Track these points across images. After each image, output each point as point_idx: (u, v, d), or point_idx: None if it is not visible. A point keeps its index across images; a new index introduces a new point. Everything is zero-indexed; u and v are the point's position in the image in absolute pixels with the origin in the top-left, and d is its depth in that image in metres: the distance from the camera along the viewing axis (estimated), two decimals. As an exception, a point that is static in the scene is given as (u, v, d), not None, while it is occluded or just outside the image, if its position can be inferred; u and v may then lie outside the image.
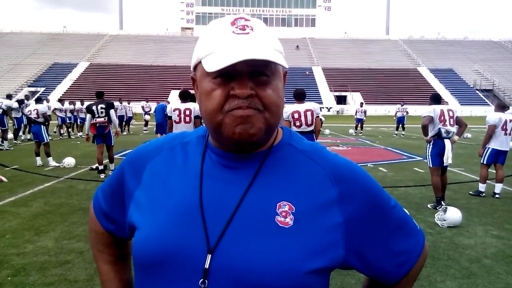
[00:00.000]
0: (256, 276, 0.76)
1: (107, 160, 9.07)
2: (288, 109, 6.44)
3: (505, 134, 7.04)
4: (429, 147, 6.40)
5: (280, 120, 0.90)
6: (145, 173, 0.92)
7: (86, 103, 19.96)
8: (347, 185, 0.85)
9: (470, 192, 7.30)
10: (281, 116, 0.85)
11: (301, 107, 6.42)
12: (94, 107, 8.69)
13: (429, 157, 6.39)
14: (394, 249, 0.89)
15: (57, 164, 9.92)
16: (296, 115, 6.35)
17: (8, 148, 13.31)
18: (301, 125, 6.37)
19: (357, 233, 0.85)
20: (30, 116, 10.35)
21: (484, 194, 7.09)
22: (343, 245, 0.84)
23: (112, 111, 8.84)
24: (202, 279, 0.77)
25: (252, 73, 0.79)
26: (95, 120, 8.62)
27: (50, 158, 10.04)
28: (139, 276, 0.87)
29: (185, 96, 7.41)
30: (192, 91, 6.45)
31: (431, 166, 6.39)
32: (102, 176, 8.63)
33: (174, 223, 0.82)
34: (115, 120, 8.98)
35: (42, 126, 10.19)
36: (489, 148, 7.13)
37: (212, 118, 0.82)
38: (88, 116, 8.79)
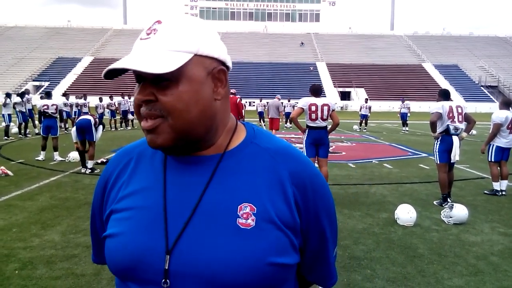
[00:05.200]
0: (220, 276, 0.79)
1: (113, 154, 9.07)
2: (307, 100, 6.44)
3: (511, 132, 6.97)
4: (437, 144, 6.36)
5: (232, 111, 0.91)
6: (117, 185, 0.94)
7: (89, 98, 20.20)
8: (305, 192, 0.87)
9: (486, 192, 7.11)
10: (193, 120, 0.82)
11: (318, 101, 6.40)
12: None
13: (437, 153, 6.35)
14: (317, 269, 0.97)
15: (62, 158, 9.96)
16: (313, 108, 6.33)
17: None
18: (316, 118, 6.35)
19: (307, 240, 0.90)
20: (46, 110, 10.24)
21: (500, 193, 6.93)
22: (299, 245, 0.88)
23: (100, 127, 8.94)
24: (164, 280, 0.80)
25: (155, 79, 0.80)
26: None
27: (57, 153, 10.08)
28: (118, 282, 0.91)
29: None
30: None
31: (438, 162, 6.36)
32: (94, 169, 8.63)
33: (140, 230, 0.85)
34: (98, 133, 8.95)
35: (56, 119, 10.34)
36: (493, 145, 7.05)
37: (138, 121, 0.87)
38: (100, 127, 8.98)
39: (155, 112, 0.81)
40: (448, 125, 6.19)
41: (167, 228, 0.82)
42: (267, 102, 17.87)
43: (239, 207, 0.82)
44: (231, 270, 0.78)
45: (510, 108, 7.20)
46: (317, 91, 6.56)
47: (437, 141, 6.34)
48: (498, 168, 7.05)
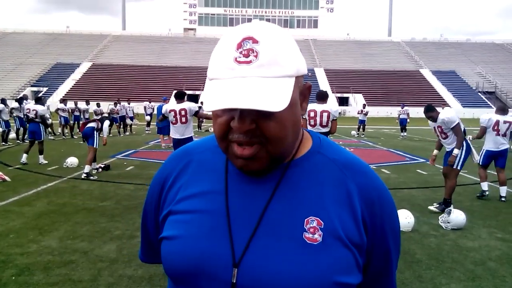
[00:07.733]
0: None
1: (111, 159, 9.07)
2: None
3: (497, 134, 7.07)
4: (463, 151, 6.34)
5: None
6: (175, 186, 0.91)
7: (92, 103, 20.40)
8: (372, 209, 0.83)
9: (477, 195, 7.19)
10: (289, 143, 0.81)
11: (318, 107, 6.42)
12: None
13: (461, 160, 6.30)
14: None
15: (45, 162, 10.19)
16: (311, 114, 6.36)
17: None
18: (315, 124, 6.36)
19: (370, 259, 0.86)
20: (28, 114, 10.69)
21: (488, 193, 7.04)
22: (362, 263, 0.84)
23: (106, 122, 9.00)
24: None
25: None
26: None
27: (42, 156, 10.28)
28: (172, 287, 0.88)
29: (181, 96, 7.42)
30: (187, 91, 6.37)
31: (459, 168, 6.35)
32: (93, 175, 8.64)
33: (202, 236, 0.81)
34: (105, 131, 9.05)
35: (40, 124, 10.54)
36: (484, 149, 7.23)
37: (219, 142, 0.82)
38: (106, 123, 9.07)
39: (255, 140, 0.77)
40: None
41: (233, 239, 0.79)
42: None
43: (305, 220, 0.79)
44: (297, 286, 0.75)
45: (506, 115, 7.28)
46: (320, 97, 6.58)
47: (463, 149, 6.33)
48: (490, 172, 7.13)
